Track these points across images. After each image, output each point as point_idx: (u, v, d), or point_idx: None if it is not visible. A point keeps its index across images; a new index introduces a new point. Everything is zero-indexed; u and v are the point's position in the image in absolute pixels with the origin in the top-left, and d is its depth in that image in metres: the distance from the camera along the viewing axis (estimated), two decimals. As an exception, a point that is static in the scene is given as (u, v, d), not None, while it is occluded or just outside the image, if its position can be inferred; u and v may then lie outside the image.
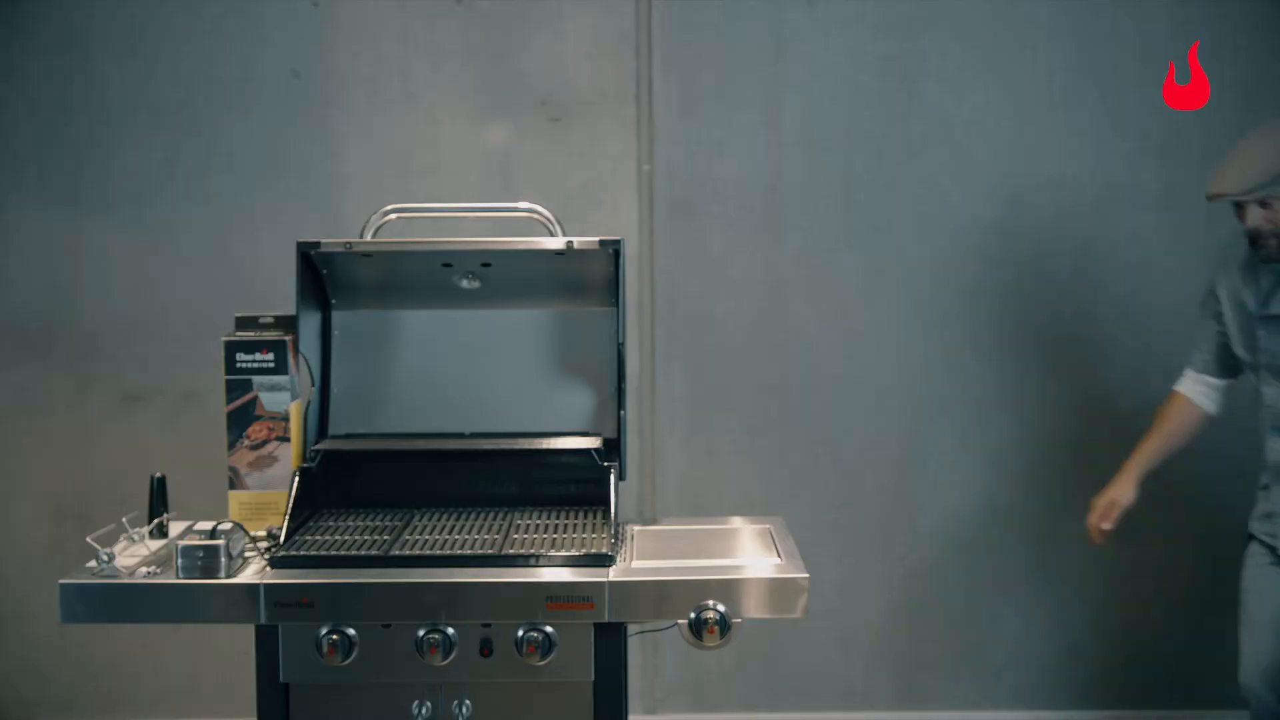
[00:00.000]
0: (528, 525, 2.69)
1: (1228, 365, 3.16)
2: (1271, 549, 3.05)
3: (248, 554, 2.51)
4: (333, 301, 2.97)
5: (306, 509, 2.74)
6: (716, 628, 2.37)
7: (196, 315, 3.80)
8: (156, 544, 2.62)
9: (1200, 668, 3.93)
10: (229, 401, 2.79)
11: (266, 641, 2.42)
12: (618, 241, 2.78)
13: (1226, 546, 3.89)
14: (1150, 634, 3.94)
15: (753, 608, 2.39)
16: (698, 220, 3.89)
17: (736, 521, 2.86)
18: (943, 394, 3.90)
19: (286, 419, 2.78)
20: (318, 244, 2.79)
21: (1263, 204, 2.82)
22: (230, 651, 3.74)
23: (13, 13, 3.79)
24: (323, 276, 2.91)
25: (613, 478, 2.70)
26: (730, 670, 3.99)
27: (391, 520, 2.75)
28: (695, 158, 3.87)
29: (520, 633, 2.37)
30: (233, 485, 2.78)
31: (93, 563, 2.45)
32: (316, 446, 2.81)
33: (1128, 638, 3.94)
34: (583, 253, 2.78)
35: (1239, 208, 2.87)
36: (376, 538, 2.61)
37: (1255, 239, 2.88)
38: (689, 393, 3.95)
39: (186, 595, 2.39)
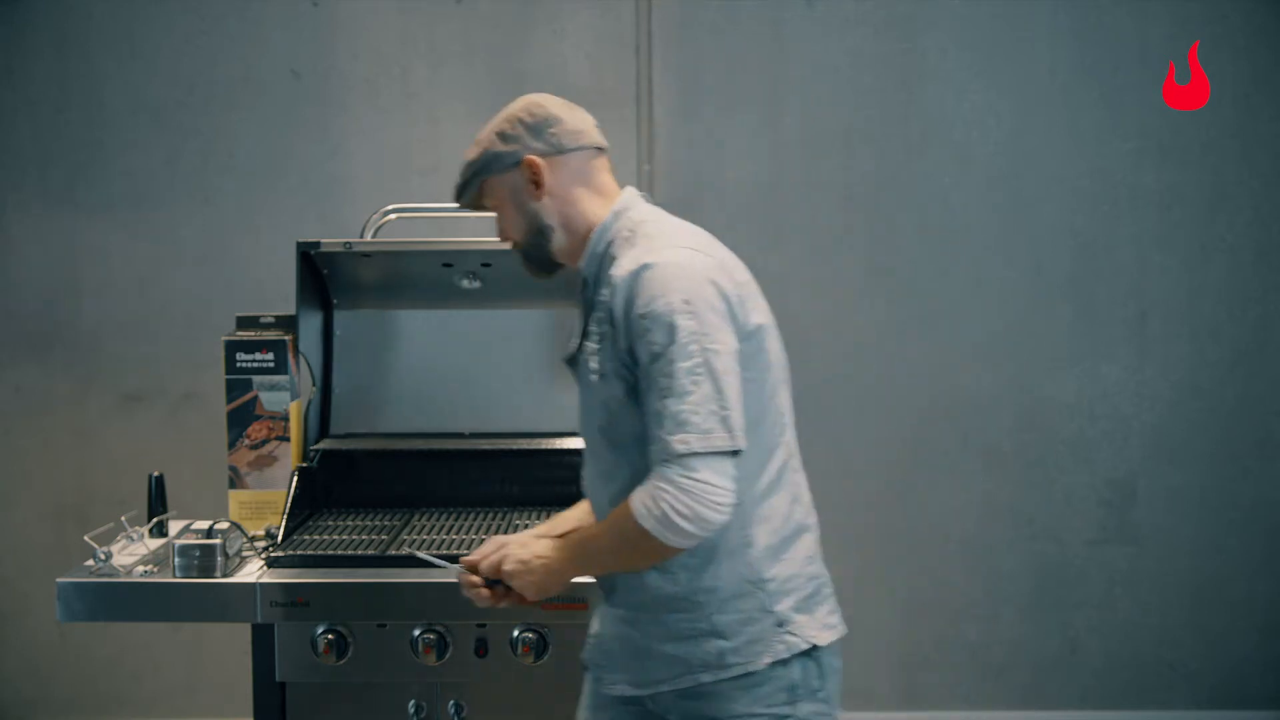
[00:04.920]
0: (527, 525, 2.69)
1: None
2: None
3: (245, 553, 2.52)
4: (334, 301, 2.97)
5: (306, 508, 2.75)
6: (710, 629, 2.35)
7: (196, 315, 3.80)
8: (155, 543, 2.62)
9: (1200, 668, 3.92)
10: (229, 401, 2.79)
11: (263, 640, 2.43)
12: (617, 241, 2.78)
13: (1226, 546, 3.90)
14: (1150, 634, 3.93)
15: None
16: (697, 220, 3.82)
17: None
18: (943, 394, 3.89)
19: (286, 419, 2.78)
20: (317, 244, 2.80)
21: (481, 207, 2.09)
22: (231, 651, 3.74)
23: (12, 13, 3.80)
24: (324, 277, 2.91)
25: (611, 478, 2.69)
26: (730, 670, 3.98)
27: (391, 520, 2.75)
28: (695, 158, 3.87)
29: (515, 633, 2.37)
30: (233, 485, 2.79)
31: (90, 561, 2.46)
32: (316, 446, 2.81)
33: (1128, 638, 3.93)
34: (582, 252, 2.78)
35: None
36: (374, 537, 2.61)
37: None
38: (689, 393, 3.93)
39: (183, 594, 2.40)
